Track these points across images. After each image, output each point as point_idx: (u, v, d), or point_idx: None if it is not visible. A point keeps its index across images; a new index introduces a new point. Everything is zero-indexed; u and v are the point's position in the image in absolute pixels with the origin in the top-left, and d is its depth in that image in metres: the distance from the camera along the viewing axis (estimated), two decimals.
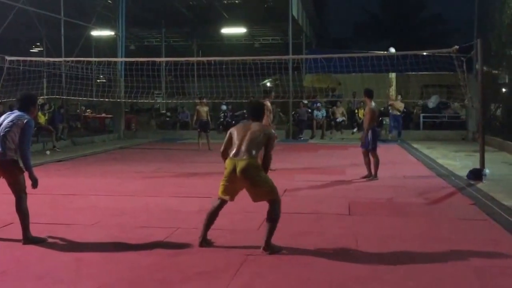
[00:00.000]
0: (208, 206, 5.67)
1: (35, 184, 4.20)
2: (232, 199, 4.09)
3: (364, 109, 17.05)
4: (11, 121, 4.12)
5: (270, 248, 3.86)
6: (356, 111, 16.87)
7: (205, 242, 4.05)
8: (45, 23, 17.04)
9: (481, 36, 9.18)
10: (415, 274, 3.43)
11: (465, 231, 4.59)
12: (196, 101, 13.29)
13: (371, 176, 7.39)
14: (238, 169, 3.87)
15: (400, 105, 14.37)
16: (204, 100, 12.65)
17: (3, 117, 4.26)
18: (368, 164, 7.42)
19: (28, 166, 4.13)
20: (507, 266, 3.59)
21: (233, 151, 3.98)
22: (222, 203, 4.09)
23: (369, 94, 7.40)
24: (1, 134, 4.06)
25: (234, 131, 4.11)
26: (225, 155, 4.11)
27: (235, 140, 4.02)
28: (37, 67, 14.10)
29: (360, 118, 16.90)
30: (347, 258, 3.79)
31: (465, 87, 8.63)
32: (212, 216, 4.10)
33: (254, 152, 3.93)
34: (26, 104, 4.28)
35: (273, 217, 3.91)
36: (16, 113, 4.21)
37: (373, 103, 7.38)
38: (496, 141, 12.00)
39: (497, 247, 4.07)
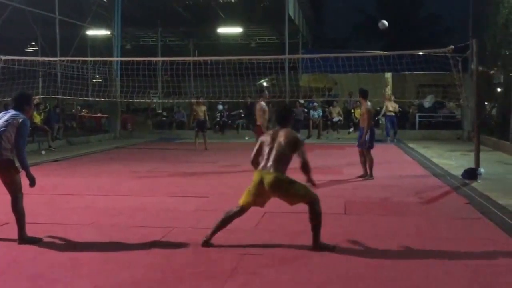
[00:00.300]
0: (205, 206, 5.69)
1: (32, 183, 4.18)
2: (262, 206, 4.15)
3: (360, 109, 17.17)
4: (6, 120, 4.10)
5: (320, 247, 3.88)
6: (352, 110, 16.91)
7: (208, 243, 4.03)
8: (40, 22, 16.95)
9: (476, 36, 9.23)
10: (410, 272, 3.45)
11: (460, 229, 4.62)
12: (193, 100, 13.28)
13: (367, 175, 7.41)
14: (266, 183, 3.88)
15: (394, 105, 14.35)
16: (201, 100, 12.63)
17: None
18: (364, 163, 7.45)
19: (24, 166, 4.12)
20: (502, 264, 3.62)
21: (262, 163, 3.99)
22: (242, 211, 4.08)
23: (364, 94, 7.45)
24: None
25: (264, 141, 4.08)
26: (255, 163, 4.10)
27: (264, 151, 4.02)
28: (32, 67, 14.04)
29: (356, 118, 16.95)
30: (342, 257, 3.80)
31: (461, 86, 8.68)
32: (227, 221, 4.09)
33: (281, 165, 3.93)
34: (21, 103, 4.26)
35: (314, 217, 3.92)
36: (12, 112, 4.19)
37: (368, 103, 7.42)
38: (491, 140, 12.08)
39: (492, 245, 4.09)
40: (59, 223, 4.87)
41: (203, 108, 12.22)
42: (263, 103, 8.35)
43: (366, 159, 7.37)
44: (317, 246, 3.89)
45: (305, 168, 4.05)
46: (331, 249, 3.90)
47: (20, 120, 4.09)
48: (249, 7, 19.40)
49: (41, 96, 14.22)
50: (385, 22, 8.51)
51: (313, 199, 3.94)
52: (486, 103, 14.13)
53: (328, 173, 8.20)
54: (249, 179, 7.77)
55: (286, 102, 16.40)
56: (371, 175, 7.37)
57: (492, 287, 3.21)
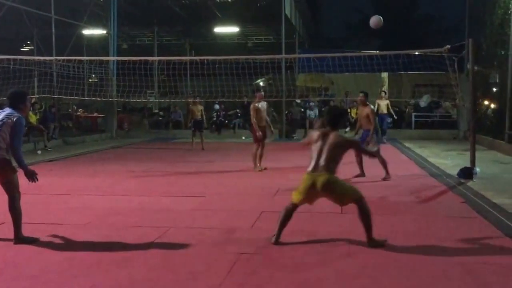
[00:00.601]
0: (201, 206, 5.68)
1: (32, 176, 4.14)
2: (311, 203, 4.27)
3: (357, 110, 17.17)
4: (1, 120, 4.08)
5: (374, 243, 3.98)
6: (348, 110, 16.95)
7: (278, 241, 4.10)
8: (36, 22, 16.86)
9: (472, 36, 9.28)
10: (406, 271, 3.46)
11: (455, 228, 4.64)
12: (189, 100, 13.24)
13: (363, 175, 7.41)
14: (318, 184, 3.97)
15: (384, 103, 14.22)
16: (198, 99, 12.62)
17: None
18: (360, 163, 7.45)
19: (21, 164, 4.10)
20: (497, 263, 3.64)
21: (311, 165, 4.07)
22: (296, 207, 4.20)
23: (367, 95, 7.63)
24: None
25: (313, 138, 4.17)
26: (304, 146, 4.32)
27: (313, 152, 4.10)
28: (27, 66, 13.96)
29: (352, 118, 17.00)
30: (338, 256, 3.82)
31: (457, 86, 8.72)
32: (287, 218, 4.19)
33: (332, 166, 4.03)
34: (15, 102, 4.22)
35: (364, 215, 4.03)
36: (6, 111, 4.17)
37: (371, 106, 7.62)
38: (487, 140, 12.14)
39: (487, 244, 4.12)
40: (55, 223, 4.86)
41: (200, 107, 12.21)
42: (257, 104, 8.34)
43: (379, 160, 7.18)
44: (371, 243, 3.99)
45: (367, 153, 4.71)
46: (382, 244, 4.00)
47: (15, 118, 4.06)
48: (246, 7, 19.39)
49: (37, 96, 14.16)
50: (378, 18, 7.99)
51: (359, 198, 4.07)
52: (486, 102, 14.19)
53: None
54: (245, 179, 7.80)
55: (297, 102, 16.38)
56: (387, 174, 7.27)
57: (488, 285, 3.23)
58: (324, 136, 4.10)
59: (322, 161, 4.00)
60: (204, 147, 11.94)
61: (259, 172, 8.17)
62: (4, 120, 4.07)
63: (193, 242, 4.18)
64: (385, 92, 13.63)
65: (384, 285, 3.23)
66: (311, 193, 4.05)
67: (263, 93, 8.72)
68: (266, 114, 8.50)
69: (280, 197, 6.12)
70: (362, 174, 7.45)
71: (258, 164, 8.35)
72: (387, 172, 7.31)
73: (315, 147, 4.08)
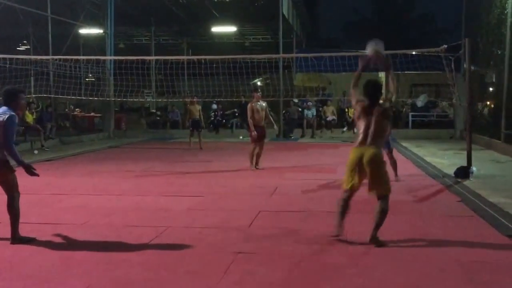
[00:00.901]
0: (199, 206, 5.68)
1: (30, 169, 4.11)
2: (357, 188, 4.12)
3: (348, 108, 17.19)
4: None
5: (377, 242, 3.97)
6: (346, 110, 16.97)
7: (341, 230, 4.12)
8: (32, 21, 16.79)
9: (468, 36, 9.30)
10: (402, 270, 3.48)
11: (452, 227, 4.66)
12: (187, 99, 13.23)
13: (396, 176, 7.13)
14: (365, 158, 3.95)
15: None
16: (195, 99, 12.62)
17: None
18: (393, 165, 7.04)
19: (17, 161, 4.08)
20: (492, 261, 3.66)
21: (359, 140, 4.06)
22: (352, 193, 4.16)
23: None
24: None
25: (359, 114, 4.10)
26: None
27: (360, 127, 4.07)
28: (24, 66, 13.91)
29: (350, 117, 17.03)
30: (336, 255, 3.82)
31: (453, 86, 8.75)
32: (345, 209, 4.17)
33: (379, 140, 4.04)
34: (6, 100, 4.20)
35: (383, 211, 4.02)
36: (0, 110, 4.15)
37: None
38: (483, 139, 12.18)
39: (483, 242, 4.14)
40: (52, 223, 4.84)
41: (198, 107, 12.21)
42: (254, 104, 8.35)
43: (390, 162, 6.82)
44: (374, 240, 3.98)
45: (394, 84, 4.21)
46: (383, 244, 3.96)
47: (6, 117, 4.02)
48: (243, 6, 19.38)
49: (34, 96, 14.10)
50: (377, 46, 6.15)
51: (388, 195, 4.06)
52: (478, 102, 14.23)
53: (321, 172, 8.23)
54: (243, 179, 7.80)
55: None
56: (396, 176, 6.98)
57: (484, 283, 3.24)
58: (369, 113, 4.05)
59: (369, 136, 4.00)
60: (202, 147, 11.95)
61: (256, 171, 8.18)
62: None
63: (191, 242, 4.17)
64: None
65: (381, 284, 3.24)
66: (359, 168, 4.01)
67: (260, 93, 8.71)
68: (267, 113, 8.45)
69: (278, 196, 6.14)
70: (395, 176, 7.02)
71: (254, 163, 8.36)
72: (396, 174, 7.05)
73: (363, 124, 4.06)
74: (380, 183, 4.03)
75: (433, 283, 3.24)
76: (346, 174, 4.11)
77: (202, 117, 12.37)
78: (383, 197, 4.04)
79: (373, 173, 3.98)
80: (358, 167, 4.01)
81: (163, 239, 4.28)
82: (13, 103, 4.18)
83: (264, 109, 8.44)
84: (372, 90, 4.12)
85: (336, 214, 4.19)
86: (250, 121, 8.28)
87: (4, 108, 4.14)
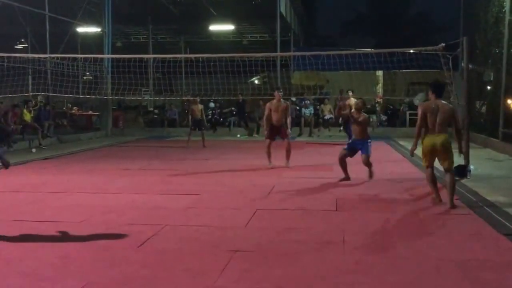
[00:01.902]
0: (196, 204, 5.68)
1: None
2: (433, 160, 5.42)
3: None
4: None
5: (453, 205, 5.21)
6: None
7: (439, 196, 5.45)
8: (30, 19, 16.73)
9: (466, 34, 9.31)
10: (399, 268, 3.48)
11: (449, 225, 4.67)
12: (190, 98, 13.20)
13: (349, 179, 6.93)
14: (438, 143, 5.21)
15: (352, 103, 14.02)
16: (198, 98, 12.68)
17: None
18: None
19: None
20: (489, 259, 3.67)
21: (430, 129, 5.26)
22: (432, 169, 5.45)
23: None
24: None
25: (426, 112, 5.27)
26: (419, 130, 5.40)
27: (430, 120, 5.23)
28: (22, 64, 13.86)
29: None
30: (333, 253, 3.83)
31: (451, 84, 8.75)
32: (434, 181, 5.50)
33: (446, 129, 5.28)
34: None
35: (452, 182, 5.29)
36: None
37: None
38: (481, 138, 12.20)
39: (480, 241, 4.15)
40: (49, 221, 4.83)
41: (200, 107, 12.29)
42: (270, 103, 8.37)
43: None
44: (452, 205, 5.19)
45: (458, 134, 5.41)
46: (455, 207, 5.21)
47: None
48: (241, 4, 19.36)
49: (32, 94, 14.07)
50: None
51: (453, 168, 5.41)
52: (475, 101, 14.25)
53: (319, 170, 8.24)
54: (240, 178, 7.80)
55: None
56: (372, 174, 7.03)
57: (480, 281, 3.25)
58: (435, 105, 5.23)
59: (437, 125, 5.19)
60: (205, 145, 11.99)
61: (270, 169, 8.18)
62: None
63: (188, 240, 4.18)
64: (353, 91, 13.00)
65: (378, 282, 3.24)
66: (433, 153, 5.29)
67: (281, 93, 8.59)
68: (288, 113, 8.40)
69: (275, 195, 6.14)
70: (347, 178, 7.00)
71: (269, 161, 8.41)
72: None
73: (431, 116, 5.22)
74: (450, 161, 5.31)
75: (430, 282, 3.25)
76: (423, 157, 5.45)
77: (204, 116, 12.41)
78: (452, 171, 5.33)
79: (445, 154, 5.29)
80: (432, 152, 5.30)
81: (161, 237, 4.27)
82: None
83: (284, 109, 8.28)
84: (439, 88, 5.42)
85: (430, 187, 5.53)
86: (264, 119, 8.34)
87: None
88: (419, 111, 5.45)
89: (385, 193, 6.25)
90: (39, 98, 13.38)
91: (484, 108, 14.33)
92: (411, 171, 8.18)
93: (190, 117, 12.43)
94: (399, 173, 7.86)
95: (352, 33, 32.82)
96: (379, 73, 19.52)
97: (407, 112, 16.66)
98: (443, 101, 5.30)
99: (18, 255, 3.82)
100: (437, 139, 5.19)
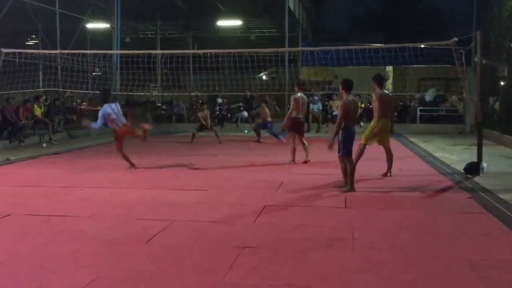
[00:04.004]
0: (204, 199, 5.67)
1: None
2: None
3: (361, 103, 17.08)
4: None
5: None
6: None
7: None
8: (41, 16, 16.84)
9: (480, 28, 9.13)
10: (410, 267, 3.43)
11: (461, 224, 4.60)
12: (196, 105, 13.22)
13: (347, 185, 6.04)
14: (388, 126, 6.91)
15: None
16: (205, 106, 12.79)
17: None
18: (344, 170, 6.15)
19: None
20: (504, 259, 3.60)
21: (384, 115, 6.78)
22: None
23: (345, 85, 6.01)
24: None
25: (385, 101, 6.73)
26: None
27: (386, 107, 6.74)
28: (32, 60, 13.98)
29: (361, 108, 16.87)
30: (342, 250, 3.79)
31: (464, 80, 8.60)
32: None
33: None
34: None
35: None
36: None
37: (350, 97, 6.00)
38: (494, 134, 12.01)
39: (494, 240, 4.07)
40: (59, 215, 4.86)
41: (206, 112, 12.38)
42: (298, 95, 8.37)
43: (346, 166, 6.05)
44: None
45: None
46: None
47: None
48: (249, 0, 19.25)
49: (42, 89, 14.18)
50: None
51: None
52: (489, 96, 14.03)
53: (327, 167, 8.16)
54: (248, 173, 7.78)
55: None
56: (351, 186, 5.96)
57: (493, 282, 3.19)
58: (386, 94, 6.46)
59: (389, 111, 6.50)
60: (220, 141, 11.98)
61: (277, 165, 8.15)
62: None
63: (196, 236, 4.17)
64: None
65: (388, 280, 3.20)
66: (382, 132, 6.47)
67: (302, 86, 8.73)
68: (305, 106, 8.56)
69: (283, 191, 6.10)
70: (345, 183, 6.15)
71: (292, 157, 8.40)
72: (351, 183, 6.06)
73: (388, 103, 6.78)
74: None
75: (441, 281, 3.19)
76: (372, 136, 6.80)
77: (209, 121, 12.43)
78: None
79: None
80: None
81: (169, 232, 4.27)
82: None
83: (305, 102, 8.54)
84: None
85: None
86: (291, 112, 8.31)
87: None
88: (377, 101, 6.82)
89: (395, 190, 6.17)
90: (43, 96, 13.48)
91: (497, 104, 14.10)
92: (422, 168, 8.08)
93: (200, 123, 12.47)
94: (409, 170, 7.76)
95: (361, 28, 32.43)
96: (389, 68, 19.29)
97: (418, 108, 16.47)
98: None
99: (30, 248, 3.84)
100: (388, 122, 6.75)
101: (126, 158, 7.92)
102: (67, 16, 15.66)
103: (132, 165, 7.90)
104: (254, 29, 23.38)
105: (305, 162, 8.36)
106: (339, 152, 6.09)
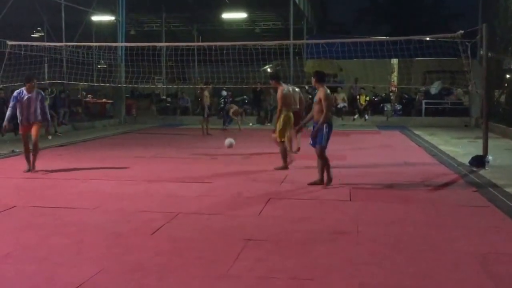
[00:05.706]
0: (209, 192, 5.68)
1: None
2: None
3: (366, 96, 17.00)
4: None
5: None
6: (358, 97, 16.78)
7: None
8: (46, 8, 16.84)
9: (486, 21, 9.02)
10: (415, 260, 3.43)
11: (467, 217, 4.58)
12: (202, 86, 13.19)
13: (322, 182, 5.84)
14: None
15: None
16: (210, 86, 12.70)
17: None
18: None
19: None
20: (509, 253, 3.59)
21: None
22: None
23: (319, 78, 5.99)
24: None
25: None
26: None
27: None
28: (38, 52, 14.00)
29: (361, 104, 16.82)
30: (347, 243, 3.79)
31: (469, 72, 8.53)
32: None
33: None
34: None
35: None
36: None
37: (327, 90, 5.89)
38: (500, 127, 11.93)
39: (499, 233, 4.06)
40: (64, 207, 4.89)
41: (211, 89, 12.34)
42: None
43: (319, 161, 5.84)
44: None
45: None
46: None
47: None
48: None
49: (48, 82, 14.22)
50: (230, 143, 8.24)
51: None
52: (494, 89, 13.91)
53: (332, 159, 8.11)
54: (253, 166, 7.77)
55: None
56: (321, 181, 5.81)
57: (499, 275, 3.18)
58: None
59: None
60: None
61: (296, 156, 8.01)
62: None
63: (201, 228, 4.18)
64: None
65: (392, 273, 3.20)
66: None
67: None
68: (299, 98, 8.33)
69: (288, 184, 6.11)
70: (321, 180, 5.90)
71: (289, 148, 8.23)
72: (321, 180, 5.94)
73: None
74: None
75: (446, 274, 3.19)
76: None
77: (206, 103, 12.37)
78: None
79: None
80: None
81: (174, 224, 4.29)
82: None
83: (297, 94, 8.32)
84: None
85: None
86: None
87: None
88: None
89: (400, 183, 6.16)
90: (48, 89, 13.53)
91: (503, 97, 13.98)
92: (427, 161, 8.04)
93: (206, 105, 12.37)
94: (415, 163, 7.74)
95: (366, 20, 32.13)
96: (394, 61, 19.14)
97: (423, 101, 16.36)
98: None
99: (35, 240, 3.87)
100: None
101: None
102: (72, 9, 15.64)
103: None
104: (259, 21, 23.23)
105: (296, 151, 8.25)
106: (321, 143, 5.87)
